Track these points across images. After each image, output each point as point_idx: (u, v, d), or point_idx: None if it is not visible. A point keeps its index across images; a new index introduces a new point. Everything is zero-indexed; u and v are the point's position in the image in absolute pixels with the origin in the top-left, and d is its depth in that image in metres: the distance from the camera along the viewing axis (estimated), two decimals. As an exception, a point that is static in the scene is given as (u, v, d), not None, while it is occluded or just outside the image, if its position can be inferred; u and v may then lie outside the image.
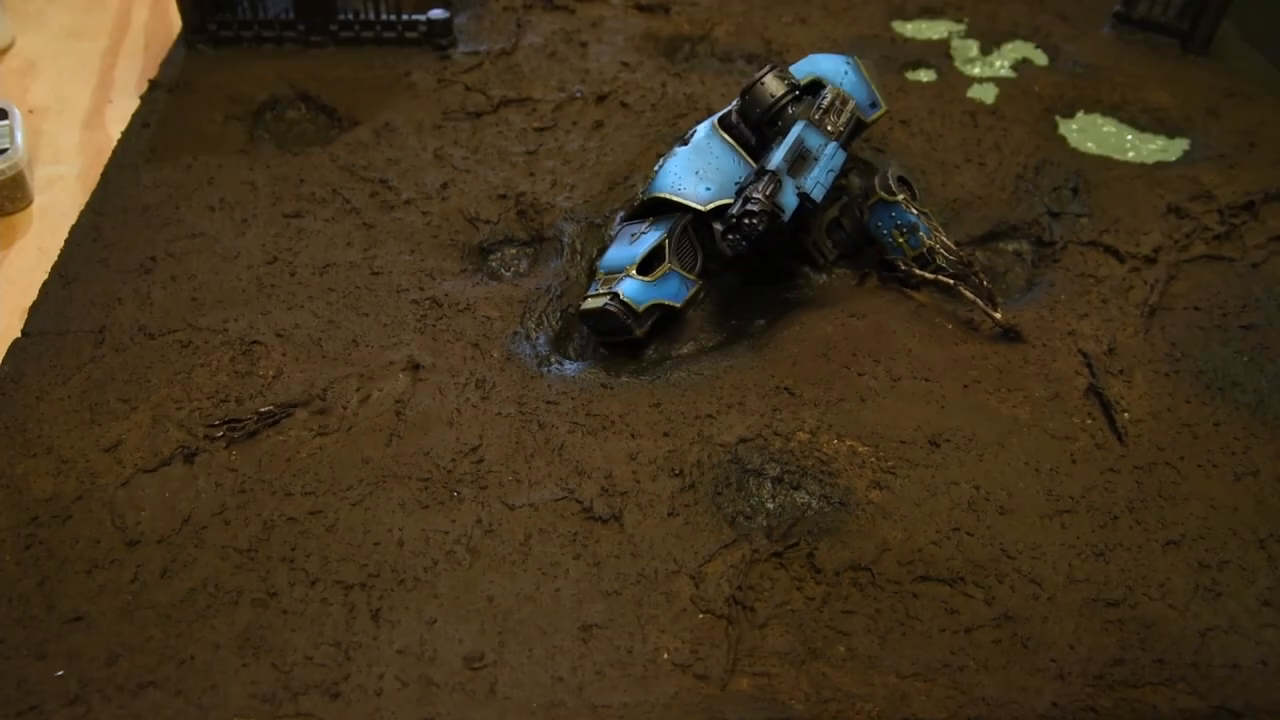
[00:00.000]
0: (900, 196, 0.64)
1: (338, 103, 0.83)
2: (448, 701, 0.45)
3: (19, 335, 0.62)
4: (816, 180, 0.59)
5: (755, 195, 0.57)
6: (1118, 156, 0.79)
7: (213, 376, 0.60)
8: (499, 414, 0.58)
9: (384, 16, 0.88)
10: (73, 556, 0.51)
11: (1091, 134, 0.82)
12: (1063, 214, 0.73)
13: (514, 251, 0.72)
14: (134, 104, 0.84)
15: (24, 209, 0.74)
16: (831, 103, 0.61)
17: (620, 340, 0.62)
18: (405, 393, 0.59)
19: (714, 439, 0.56)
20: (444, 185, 0.75)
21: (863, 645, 0.48)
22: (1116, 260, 0.70)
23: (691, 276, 0.64)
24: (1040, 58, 0.90)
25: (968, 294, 0.64)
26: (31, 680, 0.45)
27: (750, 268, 0.68)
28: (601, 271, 0.63)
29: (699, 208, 0.62)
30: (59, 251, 0.69)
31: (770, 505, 0.54)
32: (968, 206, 0.74)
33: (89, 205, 0.73)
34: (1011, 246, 0.72)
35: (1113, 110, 0.84)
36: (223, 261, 0.68)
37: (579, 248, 0.70)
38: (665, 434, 0.57)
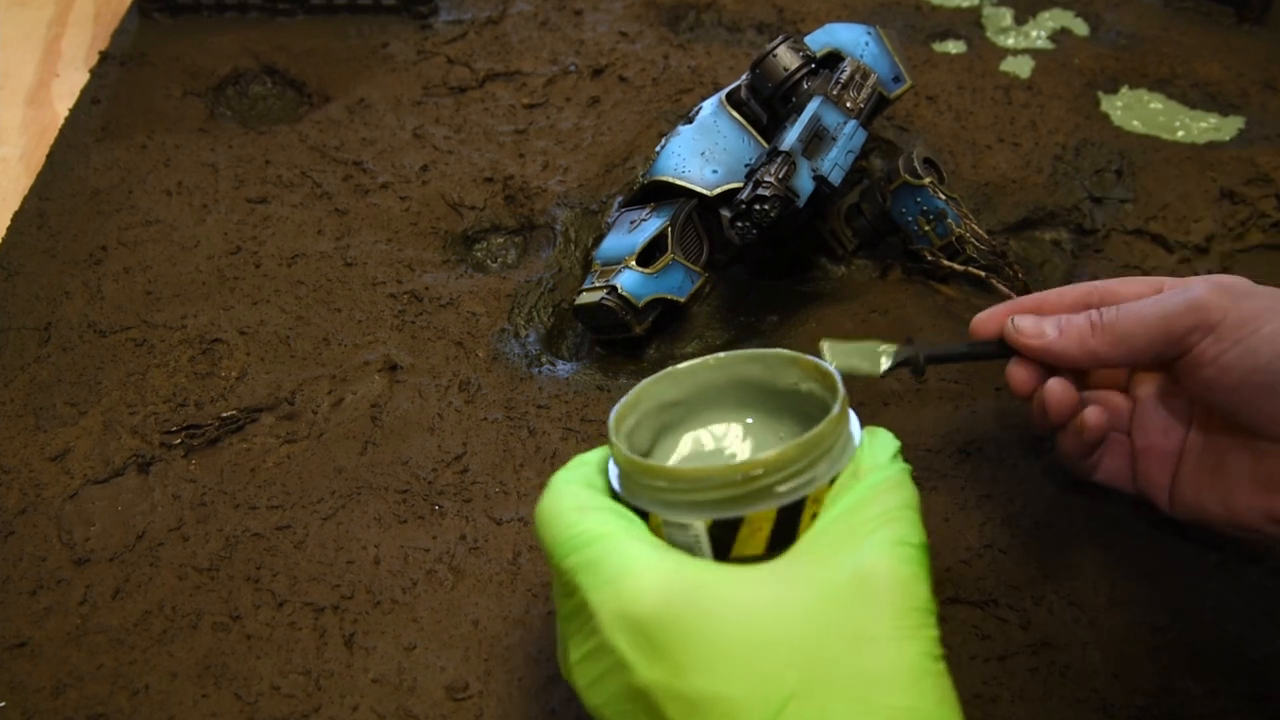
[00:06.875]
0: (926, 180, 0.64)
1: (307, 77, 0.84)
2: (428, 736, 0.45)
3: (-44, 332, 0.62)
4: (834, 162, 0.59)
5: (767, 179, 0.57)
6: (1166, 136, 0.79)
7: (170, 378, 0.60)
8: (485, 419, 0.58)
9: (358, -18, 0.89)
10: (15, 576, 0.51)
11: (1137, 111, 0.82)
12: (1105, 199, 0.73)
13: (501, 240, 0.72)
14: (83, 78, 0.84)
15: (-38, 194, 0.74)
16: (851, 77, 0.61)
17: (618, 338, 0.62)
18: (382, 396, 0.59)
19: (722, 447, 0.56)
20: (424, 168, 0.75)
21: (885, 674, 0.48)
22: (1165, 250, 0.70)
23: (696, 268, 0.64)
24: (1080, 27, 0.90)
25: (1001, 287, 0.64)
26: (-30, 712, 0.45)
27: (761, 258, 0.69)
28: (598, 262, 0.63)
29: (705, 192, 0.62)
30: (0, 241, 0.69)
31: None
32: (1001, 191, 0.74)
33: (33, 190, 0.73)
34: (1049, 235, 0.72)
35: (1160, 85, 0.84)
36: (181, 251, 0.68)
37: (573, 236, 0.70)
38: (668, 441, 0.57)
